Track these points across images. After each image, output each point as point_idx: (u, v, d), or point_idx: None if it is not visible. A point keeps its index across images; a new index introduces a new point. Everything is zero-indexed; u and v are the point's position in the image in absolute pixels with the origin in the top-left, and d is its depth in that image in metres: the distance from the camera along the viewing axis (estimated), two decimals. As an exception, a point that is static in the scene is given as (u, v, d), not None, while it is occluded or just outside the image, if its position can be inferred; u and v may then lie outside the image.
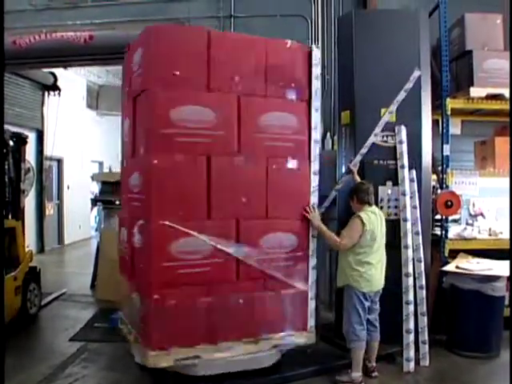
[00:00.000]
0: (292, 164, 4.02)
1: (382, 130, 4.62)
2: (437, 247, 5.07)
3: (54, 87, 10.00)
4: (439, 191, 5.18)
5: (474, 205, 5.75)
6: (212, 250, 3.70)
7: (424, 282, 4.49)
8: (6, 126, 5.51)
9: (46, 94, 10.18)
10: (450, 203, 4.98)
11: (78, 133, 12.14)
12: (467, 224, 5.64)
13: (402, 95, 4.58)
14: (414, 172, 4.63)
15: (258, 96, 3.90)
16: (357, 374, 4.01)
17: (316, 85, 4.10)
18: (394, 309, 4.35)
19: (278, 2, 6.22)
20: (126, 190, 4.27)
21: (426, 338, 4.41)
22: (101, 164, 14.34)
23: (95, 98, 13.75)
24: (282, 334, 3.98)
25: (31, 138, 8.51)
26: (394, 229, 4.47)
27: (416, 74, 4.61)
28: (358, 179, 4.45)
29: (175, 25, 3.83)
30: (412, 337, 4.35)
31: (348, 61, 4.79)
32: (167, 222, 3.55)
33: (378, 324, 4.17)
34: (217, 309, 3.75)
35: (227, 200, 3.77)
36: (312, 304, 4.13)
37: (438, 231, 5.23)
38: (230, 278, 3.81)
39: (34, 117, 10.22)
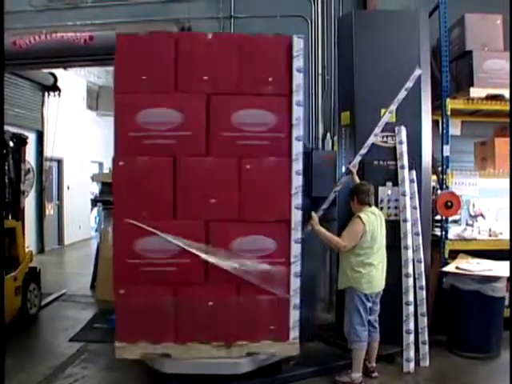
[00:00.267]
0: (269, 163, 3.82)
1: (382, 131, 4.63)
2: (437, 248, 5.07)
3: (54, 88, 9.99)
4: (439, 192, 5.18)
5: (473, 205, 5.74)
6: (179, 251, 3.72)
7: (424, 283, 4.50)
8: (6, 127, 5.50)
9: (46, 94, 10.17)
10: (449, 204, 4.98)
11: (78, 133, 12.14)
12: (467, 225, 5.64)
13: (402, 94, 4.58)
14: (413, 173, 4.63)
15: (232, 94, 3.81)
16: (357, 375, 4.01)
17: (298, 78, 3.81)
18: (394, 309, 4.35)
19: (278, 3, 6.22)
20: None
21: (426, 338, 4.42)
22: (101, 164, 14.32)
23: (95, 99, 13.74)
24: (261, 342, 3.82)
25: (31, 138, 8.52)
26: (394, 229, 4.48)
27: (417, 72, 4.60)
28: (357, 180, 4.45)
29: (146, 35, 3.90)
30: (412, 337, 4.35)
31: (348, 61, 4.79)
32: (131, 221, 3.70)
33: (377, 325, 4.17)
34: (184, 309, 3.77)
35: (195, 201, 3.78)
36: (295, 314, 3.86)
37: (438, 232, 5.23)
38: (199, 279, 3.79)
39: (34, 117, 10.23)
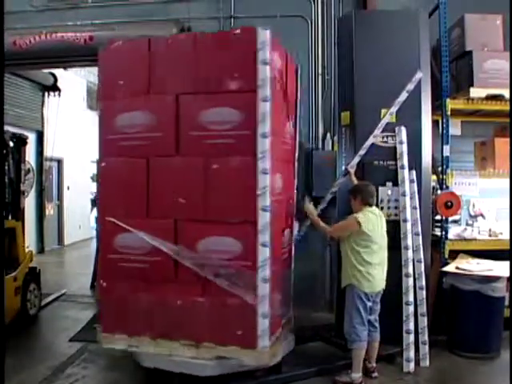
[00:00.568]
0: (234, 162, 3.67)
1: (382, 131, 4.63)
2: (437, 248, 5.07)
3: (54, 88, 10.01)
4: (439, 192, 5.18)
5: (473, 205, 5.73)
6: (151, 248, 3.81)
7: (424, 283, 4.49)
8: (6, 127, 5.51)
9: (46, 94, 10.19)
10: (449, 204, 4.98)
11: (78, 133, 12.13)
12: (467, 225, 5.63)
13: (403, 96, 4.59)
14: (413, 173, 4.63)
15: (199, 93, 3.79)
16: (357, 375, 4.01)
17: (263, 71, 3.57)
18: (395, 309, 4.35)
19: (278, 3, 6.21)
20: None
21: (426, 338, 4.41)
22: (101, 164, 14.33)
23: (95, 99, 13.73)
24: (228, 347, 3.68)
25: (31, 138, 8.52)
26: (394, 229, 4.47)
27: (418, 75, 4.61)
28: (356, 181, 4.46)
29: (128, 42, 3.99)
30: (412, 337, 4.35)
31: (348, 61, 4.79)
32: (111, 219, 3.90)
33: (378, 324, 4.17)
34: (155, 306, 3.84)
35: (165, 200, 3.85)
36: (264, 322, 3.61)
37: (438, 232, 5.23)
38: (169, 277, 3.84)
39: (34, 117, 10.23)
